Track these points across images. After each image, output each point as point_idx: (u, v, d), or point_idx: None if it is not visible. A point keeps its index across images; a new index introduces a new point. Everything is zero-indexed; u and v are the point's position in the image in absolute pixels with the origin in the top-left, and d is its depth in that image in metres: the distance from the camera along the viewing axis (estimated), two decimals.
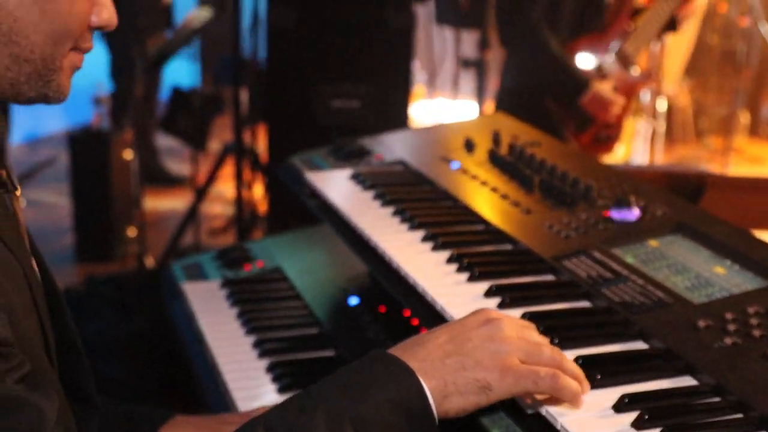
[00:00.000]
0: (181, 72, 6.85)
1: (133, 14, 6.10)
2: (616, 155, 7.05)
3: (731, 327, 1.23)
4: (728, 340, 1.21)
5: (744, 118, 8.10)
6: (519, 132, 2.06)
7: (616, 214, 1.57)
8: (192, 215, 5.07)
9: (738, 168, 7.46)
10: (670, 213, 1.58)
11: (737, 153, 7.85)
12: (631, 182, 1.72)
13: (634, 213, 1.57)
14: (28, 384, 1.11)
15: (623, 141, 7.05)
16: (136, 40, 5.85)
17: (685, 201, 1.64)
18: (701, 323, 1.25)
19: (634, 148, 6.80)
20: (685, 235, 1.52)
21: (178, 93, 5.76)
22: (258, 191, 5.14)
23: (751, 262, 1.40)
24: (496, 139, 2.00)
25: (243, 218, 4.84)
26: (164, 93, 6.74)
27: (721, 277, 1.38)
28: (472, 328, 1.17)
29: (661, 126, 7.04)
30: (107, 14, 1.25)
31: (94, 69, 1.12)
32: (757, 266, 1.38)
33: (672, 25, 4.04)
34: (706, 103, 8.50)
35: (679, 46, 7.26)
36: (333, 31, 4.00)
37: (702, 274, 1.39)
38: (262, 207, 4.95)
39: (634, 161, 6.63)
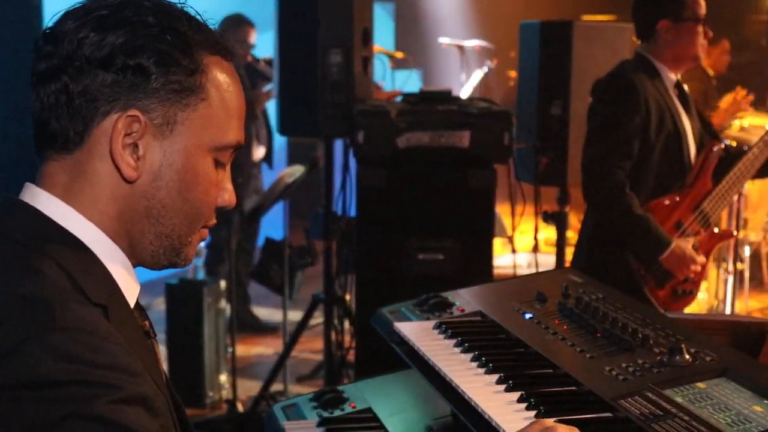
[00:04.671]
0: (274, 223, 7.19)
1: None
2: (700, 304, 7.18)
3: None
4: None
5: None
6: (586, 286, 2.29)
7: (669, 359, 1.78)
8: (282, 363, 5.31)
9: None
10: (717, 359, 1.79)
11: None
12: (686, 331, 1.94)
13: (685, 358, 1.78)
14: None
15: (709, 290, 7.19)
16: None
17: (731, 349, 1.85)
18: None
19: (719, 296, 6.88)
20: (729, 378, 1.72)
21: (270, 243, 6.07)
22: (346, 339, 5.37)
23: None
24: (565, 292, 2.23)
25: (332, 365, 5.06)
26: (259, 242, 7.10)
27: (759, 414, 1.58)
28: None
29: (746, 274, 7.16)
30: (229, 196, 1.53)
31: None
32: None
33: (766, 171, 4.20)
34: None
35: (761, 194, 7.40)
36: (419, 189, 4.30)
37: (742, 411, 1.59)
38: (350, 354, 5.18)
39: (720, 309, 6.71)
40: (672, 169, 3.99)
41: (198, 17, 1.48)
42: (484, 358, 1.92)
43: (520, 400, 1.72)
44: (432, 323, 2.20)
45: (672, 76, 4.03)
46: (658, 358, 1.81)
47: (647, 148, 3.91)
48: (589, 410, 1.67)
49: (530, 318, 2.15)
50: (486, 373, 1.87)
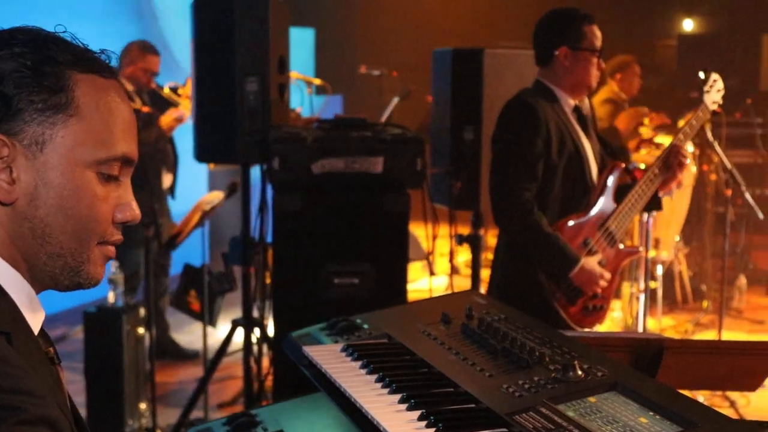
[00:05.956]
0: (193, 249, 7.22)
1: (145, 197, 6.52)
2: (615, 322, 7.35)
3: None
4: None
5: (740, 280, 8.41)
6: (489, 307, 2.37)
7: (563, 375, 1.87)
8: (202, 389, 5.31)
9: (738, 329, 7.73)
10: (608, 374, 1.88)
11: (736, 314, 8.13)
12: (580, 348, 2.02)
13: (578, 374, 1.87)
14: None
15: (624, 309, 7.36)
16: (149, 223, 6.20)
17: (621, 364, 1.94)
18: None
19: (634, 313, 7.04)
20: (618, 392, 1.81)
21: (189, 270, 6.06)
22: (266, 363, 5.39)
23: (669, 413, 1.69)
24: (469, 313, 2.31)
25: (251, 390, 5.08)
26: (175, 269, 7.08)
27: (644, 425, 1.67)
28: None
29: (659, 293, 7.35)
30: (130, 212, 1.55)
31: None
32: (674, 415, 1.68)
33: (657, 204, 4.35)
34: (704, 266, 8.82)
35: (672, 214, 7.61)
36: (334, 214, 4.36)
37: (628, 423, 1.68)
38: (270, 378, 5.20)
39: (635, 328, 6.86)
40: (576, 190, 4.12)
41: (71, 40, 1.51)
42: (388, 379, 1.99)
43: (420, 418, 1.79)
44: (340, 346, 2.27)
45: (570, 101, 4.17)
46: (553, 374, 1.89)
47: (550, 170, 4.04)
48: (485, 426, 1.74)
49: (435, 339, 2.22)
50: (389, 393, 1.94)
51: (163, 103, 6.94)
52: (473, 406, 1.86)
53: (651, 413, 1.71)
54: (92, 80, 1.50)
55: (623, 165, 4.26)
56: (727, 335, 7.11)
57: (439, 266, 8.92)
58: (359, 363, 2.13)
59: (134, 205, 1.55)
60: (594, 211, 4.12)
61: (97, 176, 1.50)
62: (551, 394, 1.81)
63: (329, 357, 2.20)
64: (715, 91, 4.37)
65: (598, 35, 4.14)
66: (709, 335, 7.48)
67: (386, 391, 1.95)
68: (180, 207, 7.04)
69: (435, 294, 5.33)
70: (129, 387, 5.44)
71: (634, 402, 1.76)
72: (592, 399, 1.79)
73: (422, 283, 8.38)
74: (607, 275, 4.07)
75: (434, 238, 4.97)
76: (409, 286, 4.62)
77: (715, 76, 4.39)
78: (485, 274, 5.49)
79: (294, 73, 6.39)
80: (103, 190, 1.51)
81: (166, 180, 7.05)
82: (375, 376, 2.03)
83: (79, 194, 1.48)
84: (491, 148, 4.21)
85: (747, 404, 6.09)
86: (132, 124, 1.54)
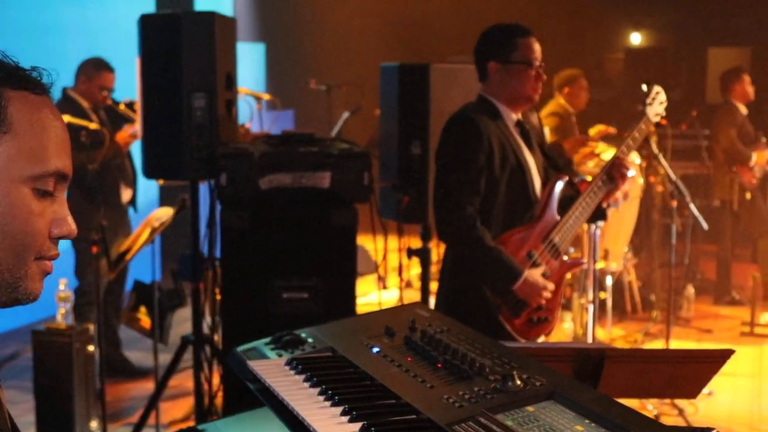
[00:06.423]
0: (144, 265, 7.19)
1: (96, 213, 6.49)
2: (566, 333, 7.42)
3: None
4: None
5: (688, 290, 8.52)
6: (432, 319, 2.40)
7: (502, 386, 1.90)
8: (152, 406, 5.29)
9: (687, 338, 7.83)
10: (546, 384, 1.91)
11: (685, 323, 8.24)
12: (520, 359, 2.06)
13: (517, 384, 1.90)
14: None
15: (575, 320, 7.43)
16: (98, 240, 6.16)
17: (560, 373, 1.97)
18: None
19: (584, 324, 7.10)
20: (556, 401, 1.85)
21: (139, 286, 6.04)
22: (216, 379, 5.37)
23: (605, 421, 1.73)
24: (412, 326, 2.34)
25: (202, 406, 5.07)
26: (126, 286, 7.06)
27: None
28: None
29: (609, 303, 7.43)
30: (66, 227, 1.54)
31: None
32: (610, 424, 1.71)
33: (602, 215, 4.41)
34: (652, 276, 8.93)
35: (620, 225, 7.69)
36: (282, 229, 4.37)
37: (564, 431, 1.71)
38: (220, 394, 5.19)
39: (585, 337, 6.92)
40: (519, 203, 4.16)
41: (2, 57, 1.51)
42: (330, 392, 2.00)
43: (361, 430, 1.81)
44: (284, 360, 2.28)
45: (513, 115, 4.21)
46: (493, 385, 1.92)
47: (493, 184, 4.07)
48: None
49: (378, 352, 2.25)
50: (332, 405, 1.95)
51: (119, 119, 6.94)
52: (414, 417, 1.88)
53: (587, 421, 1.74)
54: (24, 97, 1.50)
55: (566, 177, 4.30)
56: (676, 344, 7.21)
57: (391, 280, 8.96)
58: (303, 376, 2.14)
59: (70, 220, 1.55)
60: (538, 224, 4.16)
61: (32, 192, 1.49)
62: (490, 404, 1.84)
63: (273, 371, 2.21)
64: (657, 104, 4.44)
65: (534, 48, 4.16)
66: (659, 344, 7.57)
67: (328, 404, 1.97)
68: (136, 222, 7.02)
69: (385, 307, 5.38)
70: (79, 405, 5.41)
71: (571, 411, 1.80)
72: (530, 408, 1.82)
73: (374, 296, 8.42)
74: (551, 286, 4.11)
75: (385, 251, 5.00)
76: (361, 300, 4.65)
77: (657, 88, 4.46)
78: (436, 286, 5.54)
79: (243, 89, 6.39)
80: (39, 206, 1.51)
81: (126, 195, 7.04)
82: (318, 389, 2.05)
83: (14, 210, 1.47)
84: (435, 163, 4.25)
85: (695, 412, 6.17)
86: (65, 140, 1.55)
